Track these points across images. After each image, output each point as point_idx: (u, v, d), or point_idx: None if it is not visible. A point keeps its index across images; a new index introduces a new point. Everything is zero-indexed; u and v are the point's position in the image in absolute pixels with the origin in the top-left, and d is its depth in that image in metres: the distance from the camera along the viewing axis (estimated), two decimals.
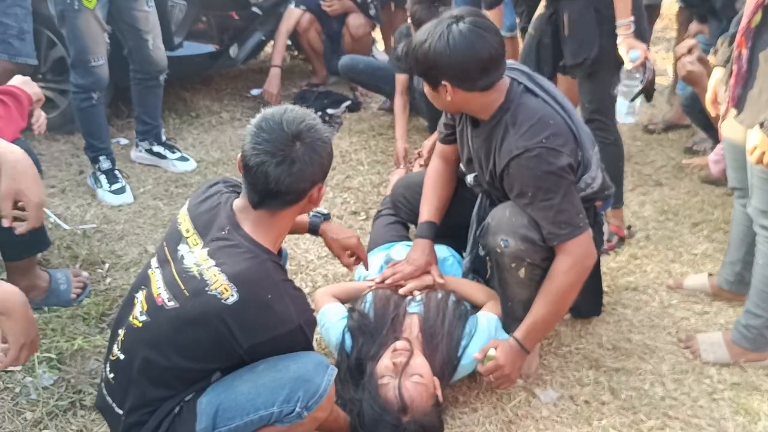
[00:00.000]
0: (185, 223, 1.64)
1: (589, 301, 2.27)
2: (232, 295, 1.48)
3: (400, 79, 3.50)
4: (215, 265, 1.52)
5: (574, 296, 2.01)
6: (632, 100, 2.70)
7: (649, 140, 3.83)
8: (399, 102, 3.54)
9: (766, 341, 2.19)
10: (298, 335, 1.58)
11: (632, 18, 2.48)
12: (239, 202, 1.63)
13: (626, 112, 2.78)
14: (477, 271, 2.32)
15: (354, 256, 2.13)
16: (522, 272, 1.98)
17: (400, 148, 3.41)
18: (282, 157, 1.51)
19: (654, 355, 2.27)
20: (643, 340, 2.33)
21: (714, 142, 3.34)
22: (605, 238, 2.82)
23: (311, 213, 1.97)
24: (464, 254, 2.37)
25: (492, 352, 1.97)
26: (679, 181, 3.43)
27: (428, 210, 2.30)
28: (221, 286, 1.49)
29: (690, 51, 2.65)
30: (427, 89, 1.99)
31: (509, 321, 2.09)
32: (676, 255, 2.83)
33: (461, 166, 2.24)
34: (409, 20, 3.31)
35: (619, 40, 2.51)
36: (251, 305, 1.50)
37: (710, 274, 2.57)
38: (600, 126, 2.73)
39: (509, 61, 2.00)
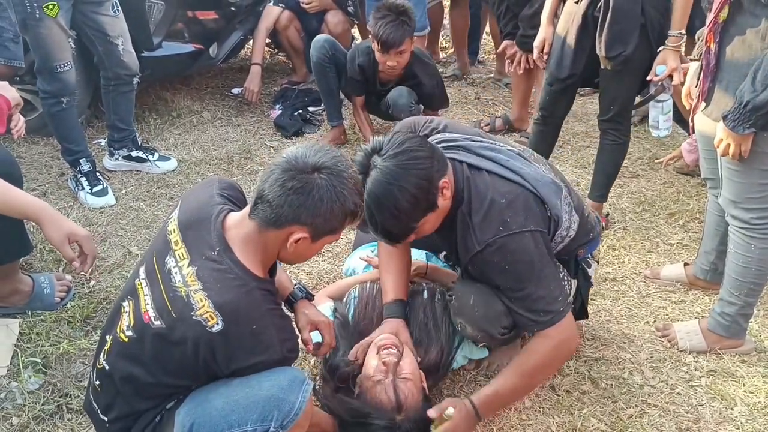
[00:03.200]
0: (174, 234, 1.61)
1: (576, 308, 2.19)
2: (217, 324, 1.46)
3: (357, 100, 3.60)
4: (202, 289, 1.49)
5: (550, 374, 1.95)
6: (635, 108, 2.77)
7: None
8: (360, 117, 3.65)
9: (740, 328, 2.25)
10: (281, 363, 1.57)
11: (683, 31, 2.50)
12: (239, 213, 1.61)
13: (652, 125, 2.80)
14: None
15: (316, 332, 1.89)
16: (481, 343, 2.06)
17: None
18: (289, 169, 1.50)
19: (632, 345, 2.32)
20: (621, 330, 2.39)
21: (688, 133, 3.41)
22: None
23: (297, 285, 1.90)
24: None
25: (450, 411, 1.83)
26: (655, 172, 3.49)
27: (393, 288, 2.08)
28: (207, 313, 1.47)
29: None
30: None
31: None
32: (652, 245, 2.88)
33: None
34: (370, 37, 3.29)
35: (660, 48, 2.52)
36: (235, 335, 1.49)
37: (686, 264, 2.63)
38: (616, 127, 2.80)
39: (436, 121, 1.95)
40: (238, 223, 1.59)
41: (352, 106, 3.71)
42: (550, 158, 3.53)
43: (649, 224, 3.03)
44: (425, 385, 1.93)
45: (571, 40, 2.67)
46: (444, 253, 2.33)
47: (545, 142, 3.06)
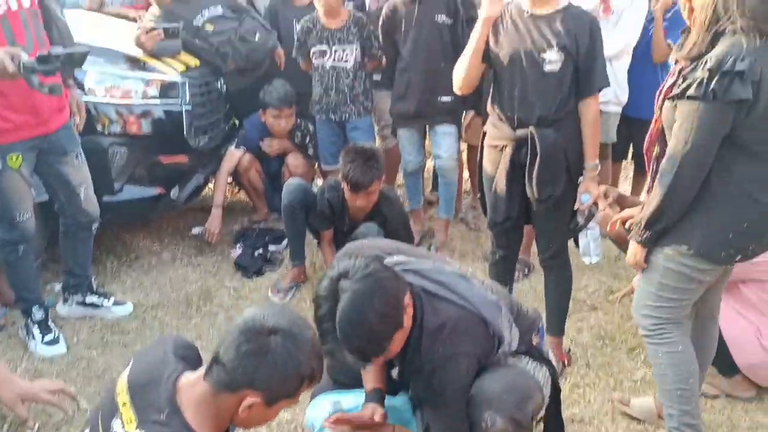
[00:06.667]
0: (123, 395, 1.56)
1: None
2: None
3: (325, 234, 3.64)
4: None
5: None
6: (574, 236, 2.87)
7: (580, 265, 3.95)
8: (326, 252, 3.67)
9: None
10: None
11: (598, 162, 2.69)
12: (193, 374, 1.56)
13: (583, 251, 2.90)
14: None
15: None
16: None
17: None
18: (246, 331, 1.49)
19: None
20: None
21: None
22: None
23: None
24: None
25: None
26: (612, 305, 3.54)
27: (373, 378, 2.19)
28: None
29: (605, 195, 2.78)
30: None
31: None
32: (616, 382, 2.88)
33: None
34: (340, 176, 3.41)
35: (580, 179, 2.69)
36: None
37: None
38: (558, 262, 2.89)
39: (385, 246, 2.11)
40: (192, 384, 1.53)
41: (320, 242, 3.73)
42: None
43: (612, 360, 3.04)
44: None
45: (501, 185, 2.76)
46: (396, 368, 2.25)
47: (505, 281, 3.08)
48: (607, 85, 2.74)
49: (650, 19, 4.04)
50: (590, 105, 2.67)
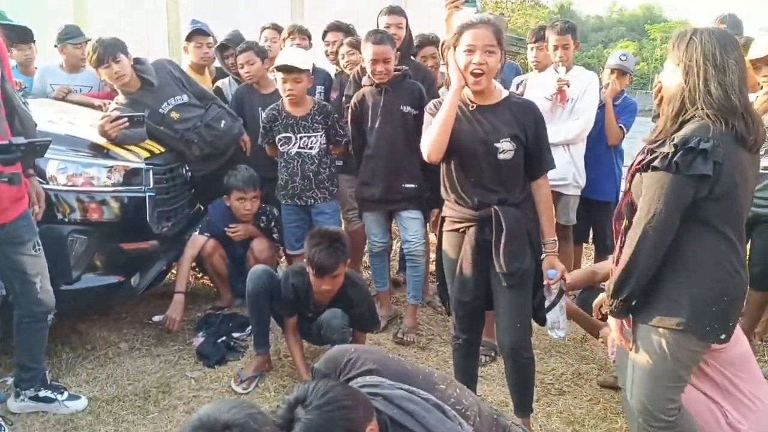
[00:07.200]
0: None
1: None
2: None
3: (289, 321, 3.58)
4: None
5: None
6: (543, 314, 2.88)
7: (547, 347, 3.97)
8: (290, 339, 3.61)
9: None
10: None
11: (555, 238, 2.78)
12: None
13: (552, 325, 2.91)
14: None
15: None
16: None
17: (305, 377, 3.44)
18: (199, 427, 1.47)
19: None
20: None
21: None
22: None
23: None
24: None
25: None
26: (580, 388, 3.52)
27: None
28: None
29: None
30: None
31: None
32: None
33: None
34: (305, 261, 3.40)
35: (542, 256, 2.76)
36: None
37: None
38: (524, 345, 2.83)
39: (360, 360, 2.04)
40: None
41: (284, 329, 3.66)
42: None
43: None
44: None
45: (467, 264, 2.78)
46: None
47: (471, 365, 3.06)
48: (554, 166, 2.85)
49: (601, 106, 4.25)
50: (542, 185, 2.80)
